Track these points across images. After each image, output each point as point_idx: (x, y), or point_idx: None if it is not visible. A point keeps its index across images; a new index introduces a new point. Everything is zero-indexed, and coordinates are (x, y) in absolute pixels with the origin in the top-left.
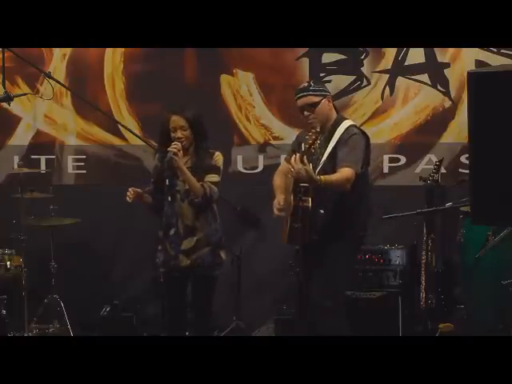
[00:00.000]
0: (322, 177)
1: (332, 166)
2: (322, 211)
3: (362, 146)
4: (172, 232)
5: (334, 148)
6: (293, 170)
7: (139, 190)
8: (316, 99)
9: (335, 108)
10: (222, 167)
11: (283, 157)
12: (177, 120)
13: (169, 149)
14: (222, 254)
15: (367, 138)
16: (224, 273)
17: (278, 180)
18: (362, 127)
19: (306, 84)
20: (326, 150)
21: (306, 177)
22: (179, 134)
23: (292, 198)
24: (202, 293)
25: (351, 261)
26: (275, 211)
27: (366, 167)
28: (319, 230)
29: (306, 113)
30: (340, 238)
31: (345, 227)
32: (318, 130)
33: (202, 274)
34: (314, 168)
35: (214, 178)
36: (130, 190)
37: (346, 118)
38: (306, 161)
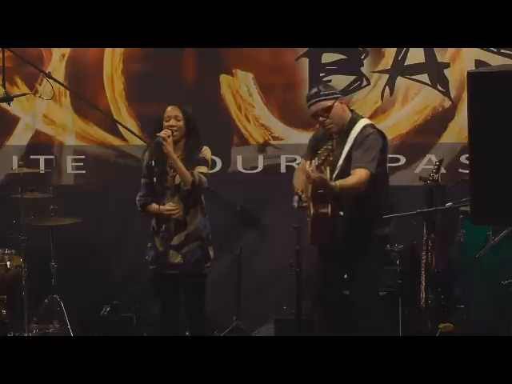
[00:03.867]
0: (337, 183)
1: (349, 168)
2: (341, 213)
3: (378, 146)
4: (163, 228)
5: (350, 149)
6: (310, 177)
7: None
8: (329, 103)
9: (348, 107)
10: (210, 160)
11: (283, 157)
12: (172, 110)
13: (158, 134)
14: (211, 251)
15: (383, 136)
16: (224, 273)
17: (297, 178)
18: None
19: (315, 89)
20: (342, 151)
21: (323, 185)
22: (172, 122)
23: (311, 205)
24: (194, 293)
25: (376, 259)
26: (294, 204)
27: (383, 165)
28: (340, 231)
29: (321, 118)
30: (362, 237)
31: (365, 226)
32: (330, 147)
33: (192, 272)
34: (332, 171)
35: (203, 169)
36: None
37: (361, 117)
38: (322, 168)
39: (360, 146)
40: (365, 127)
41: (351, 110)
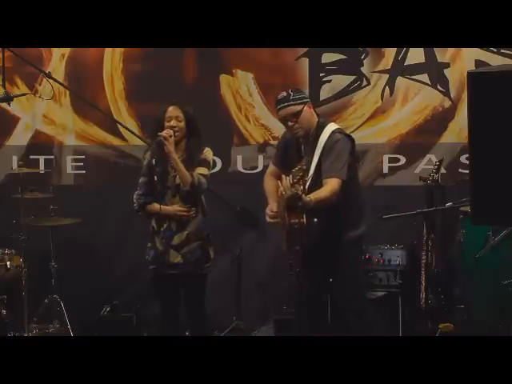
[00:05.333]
0: (311, 197)
1: (320, 177)
2: (315, 220)
3: (347, 150)
4: (164, 227)
5: (320, 158)
6: (284, 194)
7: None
8: (298, 108)
9: (315, 112)
10: (211, 162)
11: None
12: (173, 110)
13: (159, 133)
14: (211, 251)
15: (351, 140)
16: (224, 273)
17: (268, 185)
18: (356, 127)
19: (285, 94)
20: (312, 160)
21: (298, 201)
22: (173, 123)
23: (286, 216)
24: (194, 293)
25: (353, 261)
26: (268, 219)
27: (353, 168)
28: (315, 237)
29: (289, 123)
30: (336, 241)
31: (339, 230)
32: (304, 167)
33: (192, 272)
34: (304, 182)
35: (204, 170)
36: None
37: (328, 122)
38: (297, 186)
39: (329, 154)
40: (333, 133)
41: (318, 115)
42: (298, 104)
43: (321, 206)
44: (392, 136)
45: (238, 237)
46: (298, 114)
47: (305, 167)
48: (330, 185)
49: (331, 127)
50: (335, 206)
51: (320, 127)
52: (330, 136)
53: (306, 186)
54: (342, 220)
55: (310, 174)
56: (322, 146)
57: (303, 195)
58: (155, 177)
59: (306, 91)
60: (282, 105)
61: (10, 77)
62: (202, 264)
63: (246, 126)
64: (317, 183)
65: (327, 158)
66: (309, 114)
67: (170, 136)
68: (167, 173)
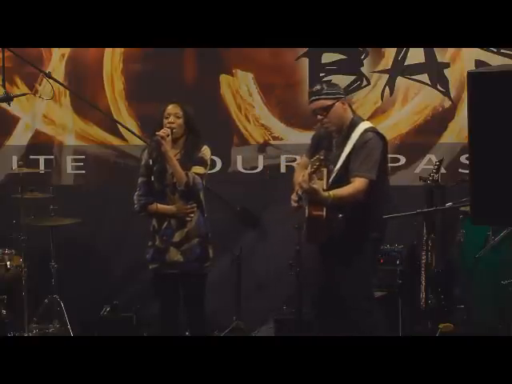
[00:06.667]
0: (331, 193)
1: (346, 172)
2: (340, 215)
3: (378, 151)
4: (164, 226)
5: (349, 155)
6: (302, 188)
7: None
8: (329, 102)
9: (351, 109)
10: (209, 160)
11: (283, 157)
12: (173, 107)
13: (157, 133)
14: (210, 250)
15: (384, 139)
16: (224, 273)
17: (296, 176)
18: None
19: (318, 87)
20: (340, 156)
21: (315, 196)
22: (172, 119)
23: (307, 208)
24: (194, 293)
25: (369, 260)
26: (292, 203)
27: (384, 167)
28: (337, 232)
29: (319, 116)
30: (358, 238)
31: (362, 228)
32: (322, 157)
33: (192, 271)
34: (328, 175)
35: (200, 169)
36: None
37: (363, 120)
38: (314, 176)
39: (360, 153)
40: (365, 131)
41: (353, 112)
42: (330, 99)
43: (342, 203)
44: (392, 136)
45: (238, 237)
46: (327, 108)
47: (322, 157)
48: (356, 185)
49: (364, 125)
50: (363, 205)
51: (353, 125)
52: (361, 134)
53: (330, 181)
54: (367, 219)
55: (336, 169)
56: (353, 143)
57: (321, 190)
58: (152, 176)
59: (307, 90)
60: (314, 97)
61: (9, 77)
62: (201, 263)
63: (246, 125)
64: (342, 179)
65: (357, 157)
66: (340, 110)
67: (167, 135)
68: (165, 171)
